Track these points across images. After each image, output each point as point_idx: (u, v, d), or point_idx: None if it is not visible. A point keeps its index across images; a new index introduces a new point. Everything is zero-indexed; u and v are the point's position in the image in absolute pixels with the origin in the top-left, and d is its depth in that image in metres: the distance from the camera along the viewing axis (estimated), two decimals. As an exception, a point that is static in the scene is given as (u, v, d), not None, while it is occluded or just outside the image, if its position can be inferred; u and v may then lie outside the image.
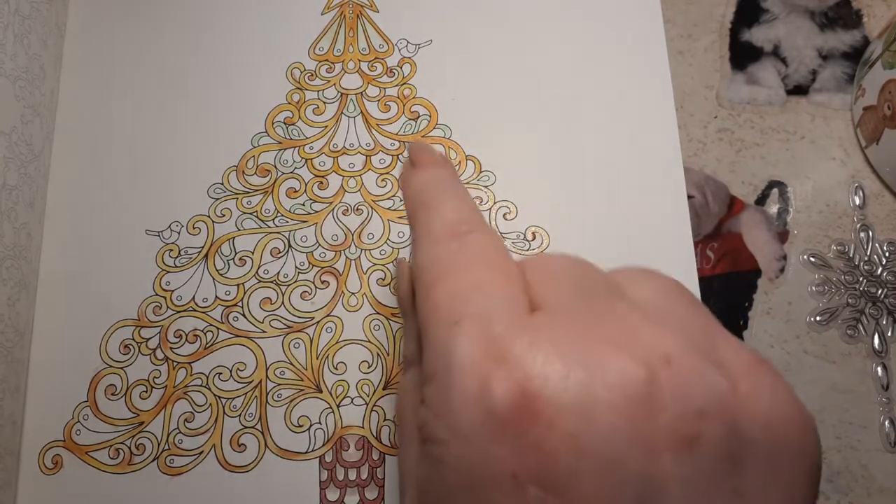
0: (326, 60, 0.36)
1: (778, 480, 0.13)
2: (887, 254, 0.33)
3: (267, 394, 0.31)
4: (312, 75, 0.36)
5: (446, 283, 0.16)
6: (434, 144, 0.34)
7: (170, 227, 0.33)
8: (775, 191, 0.34)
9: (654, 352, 0.14)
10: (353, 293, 0.32)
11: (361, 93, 0.35)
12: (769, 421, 0.14)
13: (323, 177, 0.34)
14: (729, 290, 0.33)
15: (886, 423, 0.31)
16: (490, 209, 0.33)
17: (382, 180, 0.34)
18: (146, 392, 0.31)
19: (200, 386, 0.31)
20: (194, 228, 0.33)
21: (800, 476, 0.14)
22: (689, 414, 0.13)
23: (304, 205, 0.33)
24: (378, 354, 0.31)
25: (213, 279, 0.32)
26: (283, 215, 0.33)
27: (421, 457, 0.15)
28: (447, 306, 0.16)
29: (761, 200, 0.34)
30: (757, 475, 0.13)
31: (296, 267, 0.32)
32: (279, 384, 0.31)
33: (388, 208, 0.33)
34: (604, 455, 0.13)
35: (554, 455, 0.13)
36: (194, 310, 0.32)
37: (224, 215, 0.33)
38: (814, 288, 0.33)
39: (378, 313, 0.32)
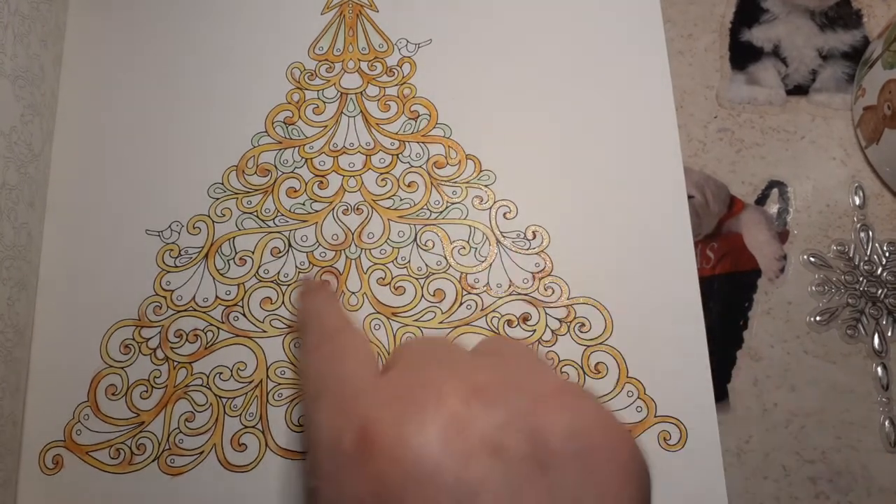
0: (326, 60, 0.36)
1: (589, 480, 0.16)
2: (887, 254, 0.33)
3: (267, 393, 0.31)
4: (312, 75, 0.36)
5: (313, 358, 0.22)
6: (434, 144, 0.34)
7: (170, 226, 0.33)
8: (775, 191, 0.34)
9: (469, 384, 0.17)
10: (353, 292, 0.32)
11: (361, 92, 0.35)
12: (573, 430, 0.17)
13: (323, 176, 0.34)
14: (729, 290, 0.33)
15: (886, 423, 0.31)
16: (490, 208, 0.33)
17: (382, 180, 0.34)
18: (147, 392, 0.31)
19: (201, 385, 0.31)
20: (194, 228, 0.33)
21: (611, 475, 0.16)
22: (492, 427, 0.17)
23: (304, 204, 0.33)
24: (378, 353, 0.31)
25: (214, 279, 0.32)
26: (283, 215, 0.33)
27: None
28: (313, 385, 0.21)
29: (761, 200, 0.34)
30: (567, 475, 0.16)
31: (296, 266, 0.32)
32: (280, 384, 0.31)
33: (388, 208, 0.33)
34: (422, 471, 0.16)
35: (386, 478, 0.16)
36: (195, 309, 0.32)
37: (224, 215, 0.33)
38: (814, 288, 0.33)
39: (378, 312, 0.32)
